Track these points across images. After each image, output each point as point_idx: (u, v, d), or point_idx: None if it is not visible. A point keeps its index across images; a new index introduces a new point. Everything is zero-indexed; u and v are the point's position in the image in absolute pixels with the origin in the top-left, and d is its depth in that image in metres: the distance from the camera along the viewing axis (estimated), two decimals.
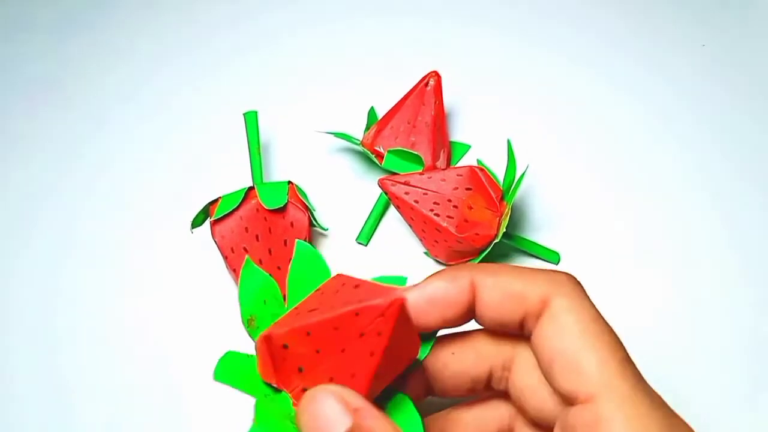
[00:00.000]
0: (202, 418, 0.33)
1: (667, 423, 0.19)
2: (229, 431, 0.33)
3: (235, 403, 0.33)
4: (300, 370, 0.21)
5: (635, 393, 0.19)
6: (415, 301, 0.21)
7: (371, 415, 0.18)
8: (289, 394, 0.21)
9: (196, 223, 0.33)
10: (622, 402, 0.18)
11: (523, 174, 0.33)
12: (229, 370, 0.22)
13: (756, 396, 0.33)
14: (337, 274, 0.22)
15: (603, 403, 0.19)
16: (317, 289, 0.22)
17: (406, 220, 0.35)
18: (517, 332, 0.22)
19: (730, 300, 0.36)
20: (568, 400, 0.20)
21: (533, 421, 0.23)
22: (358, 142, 0.38)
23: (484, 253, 0.33)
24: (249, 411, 0.33)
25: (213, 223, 0.33)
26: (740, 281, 0.36)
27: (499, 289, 0.21)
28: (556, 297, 0.21)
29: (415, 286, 0.22)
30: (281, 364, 0.21)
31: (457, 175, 0.34)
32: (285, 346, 0.20)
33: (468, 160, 0.40)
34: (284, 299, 0.23)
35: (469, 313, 0.22)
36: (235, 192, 0.33)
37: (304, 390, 0.21)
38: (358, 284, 0.21)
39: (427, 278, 0.22)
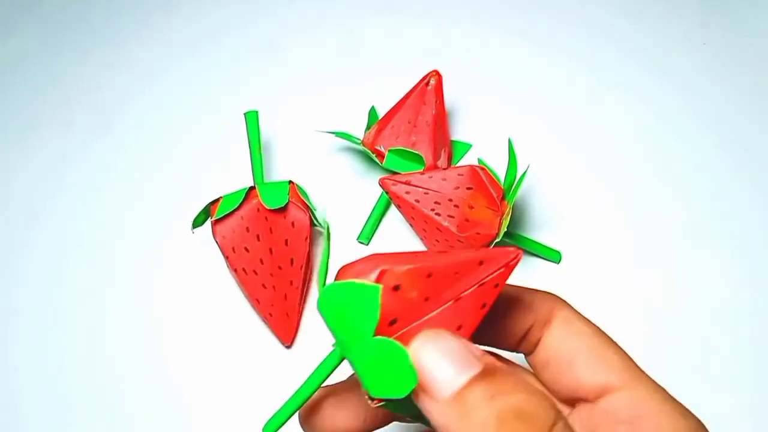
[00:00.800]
0: (202, 416, 0.33)
1: (685, 409, 0.20)
2: (228, 429, 0.33)
3: (237, 402, 0.33)
4: (391, 323, 0.19)
5: (655, 382, 0.20)
6: None
7: (496, 360, 0.18)
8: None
9: (197, 223, 0.33)
10: (652, 387, 0.20)
11: (524, 173, 0.33)
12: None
13: (756, 394, 0.33)
14: (373, 254, 0.21)
15: (637, 387, 0.20)
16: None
17: (407, 220, 0.35)
18: (514, 344, 0.22)
19: (730, 299, 0.36)
20: (592, 394, 0.21)
21: None
22: (359, 142, 0.38)
23: None
24: (249, 408, 0.33)
25: (214, 223, 0.33)
26: (740, 280, 0.36)
27: (510, 297, 0.22)
28: (561, 308, 0.22)
29: None
30: None
31: (458, 174, 0.34)
32: (396, 288, 0.19)
33: (469, 159, 0.40)
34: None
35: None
36: (236, 192, 0.33)
37: None
38: (445, 250, 0.20)
39: None
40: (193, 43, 0.45)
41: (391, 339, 0.18)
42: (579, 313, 0.22)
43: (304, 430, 0.22)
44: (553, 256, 0.36)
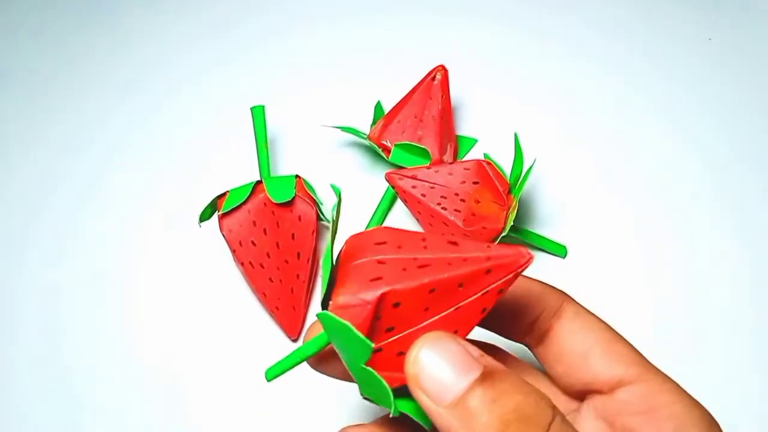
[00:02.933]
0: (208, 409, 0.33)
1: (696, 401, 0.21)
2: (234, 422, 0.33)
3: (243, 396, 0.33)
4: (388, 329, 0.19)
5: (665, 375, 0.21)
6: None
7: (495, 361, 0.18)
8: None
9: (204, 216, 0.34)
10: (665, 379, 0.21)
11: (531, 168, 0.33)
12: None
13: (763, 389, 0.33)
14: (383, 228, 0.21)
15: (652, 380, 0.21)
16: (377, 244, 0.20)
17: (413, 214, 0.35)
18: (520, 333, 0.23)
19: (735, 293, 0.36)
20: (607, 386, 0.21)
21: None
22: (365, 136, 0.38)
23: None
24: (255, 402, 0.33)
25: (221, 217, 0.33)
26: (745, 275, 0.36)
27: (520, 287, 0.22)
28: (570, 301, 0.22)
29: None
30: (373, 323, 0.19)
31: (465, 168, 0.34)
32: (396, 305, 0.19)
33: (475, 153, 0.40)
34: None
35: None
36: (243, 186, 0.33)
37: (376, 351, 0.19)
38: (453, 240, 0.19)
39: None
40: (199, 38, 0.45)
41: (374, 373, 0.18)
42: (586, 308, 0.22)
43: (314, 368, 0.22)
44: (559, 250, 0.36)
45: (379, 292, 0.18)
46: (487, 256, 0.19)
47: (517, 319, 0.22)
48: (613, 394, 0.21)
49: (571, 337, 0.22)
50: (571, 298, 0.22)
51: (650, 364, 0.21)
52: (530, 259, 0.19)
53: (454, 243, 0.19)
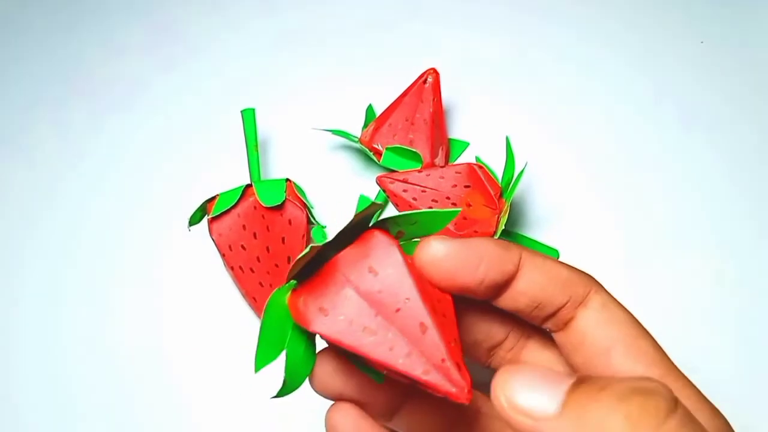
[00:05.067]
0: (198, 415, 0.33)
1: (715, 409, 0.20)
2: (223, 427, 0.33)
3: (232, 401, 0.33)
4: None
5: (687, 378, 0.20)
6: (465, 254, 0.20)
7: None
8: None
9: (194, 220, 0.33)
10: (685, 384, 0.20)
11: (522, 171, 0.33)
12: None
13: (746, 392, 0.33)
14: (394, 255, 0.19)
15: (671, 385, 0.19)
16: (369, 265, 0.19)
17: None
18: (541, 319, 0.22)
19: (729, 296, 0.36)
20: None
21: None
22: (357, 140, 0.38)
23: None
24: (245, 407, 0.33)
25: (211, 221, 0.33)
26: (739, 282, 0.36)
27: (547, 271, 0.21)
28: (598, 290, 0.21)
29: (464, 240, 0.21)
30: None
31: (456, 172, 0.34)
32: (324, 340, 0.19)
33: (466, 157, 0.40)
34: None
35: (505, 285, 0.21)
36: (233, 189, 0.33)
37: None
38: (424, 325, 0.18)
39: (472, 238, 0.21)
40: (190, 42, 0.45)
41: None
42: (614, 298, 0.21)
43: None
44: (550, 254, 0.36)
45: (311, 329, 0.19)
46: (427, 369, 0.18)
47: (539, 308, 0.21)
48: None
49: (595, 329, 0.21)
50: (599, 285, 0.21)
51: (673, 366, 0.20)
52: (466, 401, 0.17)
53: (423, 328, 0.18)
